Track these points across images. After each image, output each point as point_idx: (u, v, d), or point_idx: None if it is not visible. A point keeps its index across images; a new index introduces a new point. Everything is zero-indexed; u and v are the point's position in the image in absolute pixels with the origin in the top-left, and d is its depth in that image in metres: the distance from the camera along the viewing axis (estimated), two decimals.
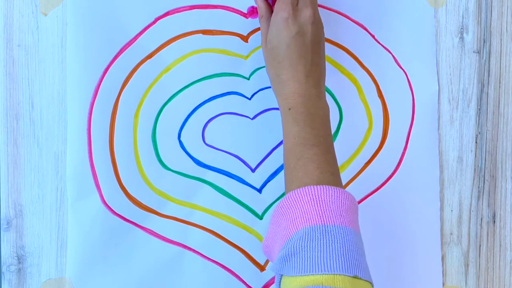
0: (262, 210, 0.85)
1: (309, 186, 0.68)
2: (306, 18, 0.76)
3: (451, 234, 0.88)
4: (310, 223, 0.65)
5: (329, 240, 0.64)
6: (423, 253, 0.86)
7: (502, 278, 0.88)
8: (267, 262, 0.86)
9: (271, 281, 0.86)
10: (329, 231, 0.65)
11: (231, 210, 0.85)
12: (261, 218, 0.86)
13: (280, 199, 0.70)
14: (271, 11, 0.79)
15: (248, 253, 0.85)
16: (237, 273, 0.85)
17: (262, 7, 0.80)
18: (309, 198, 0.67)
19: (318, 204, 0.67)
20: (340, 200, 0.67)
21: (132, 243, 0.84)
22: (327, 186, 0.68)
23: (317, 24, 0.77)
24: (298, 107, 0.74)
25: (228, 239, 0.85)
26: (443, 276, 0.87)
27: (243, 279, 0.85)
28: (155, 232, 0.84)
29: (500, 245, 0.88)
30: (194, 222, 0.85)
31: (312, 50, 0.76)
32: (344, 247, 0.64)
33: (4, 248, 0.83)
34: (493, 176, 0.88)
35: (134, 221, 0.84)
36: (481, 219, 0.88)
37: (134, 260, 0.84)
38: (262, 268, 0.86)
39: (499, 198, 0.88)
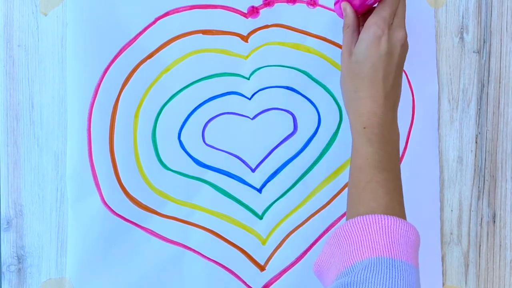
0: (262, 210, 0.86)
1: (379, 215, 0.66)
2: (398, 39, 0.74)
3: (451, 234, 0.88)
4: (377, 254, 0.63)
5: (395, 275, 0.61)
6: (423, 253, 0.86)
7: (502, 278, 0.88)
8: (267, 262, 0.86)
9: (271, 281, 0.86)
10: (396, 266, 0.62)
11: (231, 210, 0.85)
12: (261, 218, 0.86)
13: (344, 222, 0.68)
14: (358, 23, 0.77)
15: (248, 253, 0.85)
16: (237, 273, 0.85)
17: (350, 17, 0.76)
18: (378, 227, 0.65)
19: (387, 235, 0.64)
20: (408, 235, 0.65)
21: (132, 243, 0.84)
22: (397, 218, 0.66)
23: (406, 46, 0.75)
24: (373, 128, 0.72)
25: (228, 239, 0.85)
26: (443, 276, 0.87)
27: (243, 279, 0.85)
28: (155, 232, 0.84)
29: (500, 245, 0.88)
30: (194, 222, 0.85)
31: (396, 72, 0.74)
32: (408, 285, 0.61)
33: (4, 248, 0.83)
34: (493, 176, 0.88)
35: (134, 221, 0.84)
36: (481, 219, 0.88)
37: (134, 260, 0.84)
38: (262, 268, 0.86)
39: (499, 198, 0.88)
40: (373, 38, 0.73)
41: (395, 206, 0.69)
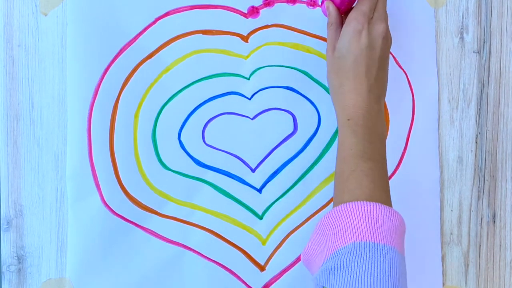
0: (262, 210, 0.86)
1: (362, 202, 0.67)
2: (378, 32, 0.75)
3: (451, 234, 0.88)
4: (360, 239, 0.65)
5: (377, 258, 0.63)
6: (423, 253, 0.86)
7: (502, 278, 0.88)
8: (267, 262, 0.86)
9: (271, 281, 0.86)
10: (378, 250, 0.64)
11: (231, 210, 0.85)
12: (261, 218, 0.86)
13: (329, 210, 0.69)
14: (341, 20, 0.79)
15: (248, 253, 0.85)
16: (237, 273, 0.85)
17: (332, 15, 0.79)
18: (361, 213, 0.66)
19: (370, 221, 0.66)
20: (391, 221, 0.67)
21: (132, 243, 0.84)
22: (380, 204, 0.67)
23: (387, 39, 0.76)
24: (357, 119, 0.73)
25: (228, 239, 0.85)
26: (443, 276, 0.87)
27: (243, 279, 0.85)
28: (155, 232, 0.84)
29: (500, 245, 0.89)
30: (194, 222, 0.85)
31: (379, 65, 0.75)
32: (391, 268, 0.63)
33: (4, 248, 0.83)
34: (493, 176, 0.88)
35: (134, 221, 0.84)
36: (481, 219, 0.88)
37: (134, 260, 0.84)
38: (262, 268, 0.86)
39: (499, 198, 0.88)
40: (353, 32, 0.75)
41: (380, 194, 0.70)
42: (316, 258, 0.69)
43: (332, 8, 0.79)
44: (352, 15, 0.76)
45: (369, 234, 0.65)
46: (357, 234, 0.65)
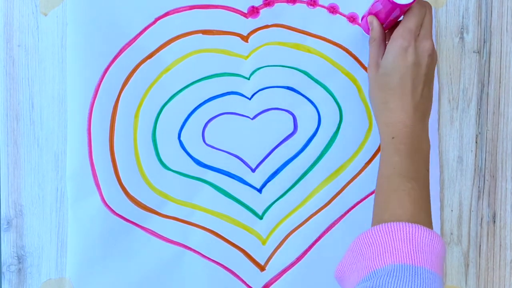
0: (262, 210, 0.86)
1: (403, 223, 0.66)
2: (425, 50, 0.74)
3: (451, 234, 0.88)
4: (400, 261, 0.63)
5: (417, 283, 0.61)
6: None
7: (502, 278, 0.88)
8: (267, 262, 0.86)
9: (271, 281, 0.86)
10: (419, 273, 0.62)
11: (231, 210, 0.85)
12: (261, 218, 0.86)
13: (368, 229, 0.68)
14: (384, 36, 0.78)
15: (248, 253, 0.85)
16: (237, 273, 0.85)
17: (376, 30, 0.77)
18: (402, 234, 0.65)
19: (411, 243, 0.64)
20: (433, 244, 0.65)
21: (132, 243, 0.84)
22: (422, 227, 0.66)
23: (433, 56, 0.75)
24: (402, 138, 0.72)
25: (228, 239, 0.85)
26: (443, 276, 0.87)
27: (243, 279, 0.85)
28: (155, 232, 0.84)
29: (500, 245, 0.88)
30: (194, 222, 0.85)
31: (425, 82, 0.74)
32: None
33: (4, 248, 0.83)
34: (493, 176, 0.88)
35: (134, 221, 0.84)
36: (481, 219, 0.88)
37: (134, 260, 0.84)
38: (262, 268, 0.86)
39: (499, 198, 0.88)
40: (399, 50, 0.73)
41: (421, 215, 0.69)
42: (351, 275, 0.67)
43: (376, 24, 0.77)
44: (398, 32, 0.74)
45: (409, 257, 0.63)
46: (397, 256, 0.63)
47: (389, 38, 0.78)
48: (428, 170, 0.73)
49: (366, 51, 0.86)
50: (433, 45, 0.75)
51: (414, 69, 0.73)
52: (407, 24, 0.74)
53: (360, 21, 0.84)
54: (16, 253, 0.83)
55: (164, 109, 0.84)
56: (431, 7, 0.76)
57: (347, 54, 0.86)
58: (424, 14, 0.75)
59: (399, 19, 0.77)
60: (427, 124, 0.75)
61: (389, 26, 0.78)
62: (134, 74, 0.84)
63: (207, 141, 0.85)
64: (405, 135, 0.72)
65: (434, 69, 0.76)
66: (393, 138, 0.73)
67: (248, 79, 0.85)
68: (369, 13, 0.79)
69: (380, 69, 0.75)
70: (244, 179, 0.85)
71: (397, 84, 0.74)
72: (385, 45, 0.77)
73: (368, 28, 0.80)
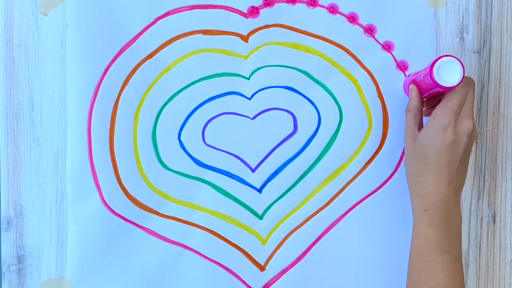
0: (262, 210, 0.85)
1: None
2: (465, 129, 0.74)
3: None
4: None
5: None
6: None
7: (502, 278, 0.88)
8: (267, 262, 0.86)
9: (271, 281, 0.86)
10: None
11: (231, 210, 0.85)
12: (261, 218, 0.86)
13: None
14: (421, 107, 0.78)
15: (248, 253, 0.85)
16: (237, 273, 0.85)
17: (414, 100, 0.78)
18: None
19: None
20: None
21: (132, 243, 0.84)
22: None
23: (472, 135, 0.75)
24: (435, 211, 0.73)
25: (228, 239, 0.85)
26: None
27: (243, 279, 0.85)
28: (155, 232, 0.84)
29: (500, 245, 0.88)
30: (194, 222, 0.85)
31: (461, 159, 0.75)
32: None
33: (4, 248, 0.83)
34: (493, 176, 0.88)
35: (134, 221, 0.84)
36: (481, 219, 0.88)
37: (134, 260, 0.84)
38: (262, 268, 0.86)
39: (499, 198, 0.88)
40: (439, 127, 0.74)
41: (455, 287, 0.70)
42: None
43: (415, 94, 0.78)
44: (439, 109, 0.75)
45: None
46: None
47: (426, 107, 0.80)
48: (460, 243, 0.75)
49: (366, 51, 0.86)
50: (474, 124, 0.75)
51: (452, 147, 0.74)
52: (449, 103, 0.75)
53: (405, 77, 0.85)
54: (16, 253, 0.83)
55: (164, 109, 0.84)
56: (474, 84, 0.77)
57: (347, 54, 0.86)
58: (466, 92, 0.75)
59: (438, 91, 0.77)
60: (459, 197, 0.77)
61: (428, 97, 0.79)
62: (134, 74, 0.84)
63: (207, 141, 0.85)
64: (438, 209, 0.74)
65: (471, 147, 0.77)
66: (426, 210, 0.74)
67: (248, 79, 0.85)
68: (412, 80, 0.80)
69: (418, 143, 0.76)
70: (244, 179, 0.85)
71: (433, 160, 0.74)
72: (421, 115, 0.78)
73: (407, 91, 0.81)
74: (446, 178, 0.74)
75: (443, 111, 0.74)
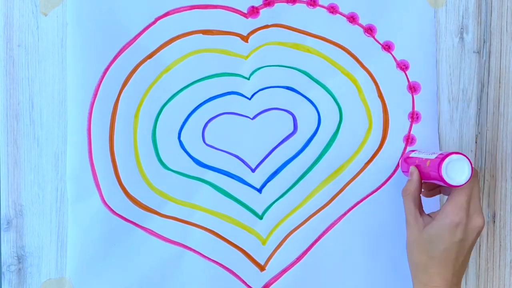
0: (262, 210, 0.86)
1: None
2: (475, 227, 0.74)
3: None
4: None
5: None
6: None
7: (502, 278, 0.88)
8: (267, 262, 0.86)
9: (271, 281, 0.86)
10: None
11: (231, 210, 0.85)
12: (261, 218, 0.86)
13: None
14: (420, 191, 0.77)
15: (248, 253, 0.85)
16: (237, 273, 0.85)
17: (414, 183, 0.77)
18: None
19: None
20: None
21: (132, 243, 0.84)
22: None
23: (481, 232, 0.75)
24: None
25: (228, 239, 0.85)
26: None
27: (243, 279, 0.85)
28: (155, 232, 0.84)
29: (500, 245, 0.88)
30: (194, 222, 0.85)
31: (467, 253, 0.75)
32: None
33: (4, 248, 0.83)
34: (493, 176, 0.88)
35: (134, 221, 0.84)
36: None
37: (134, 260, 0.84)
38: (262, 268, 0.86)
39: (499, 198, 0.88)
40: (450, 225, 0.73)
41: None
42: None
43: (415, 177, 0.78)
44: (449, 207, 0.74)
45: None
46: None
47: (426, 189, 0.80)
48: None
49: (366, 51, 0.86)
50: (484, 220, 0.75)
51: (460, 244, 0.74)
52: (459, 199, 0.74)
53: (400, 159, 0.84)
54: (16, 253, 0.83)
55: (164, 109, 0.84)
56: (477, 174, 0.76)
57: (347, 54, 0.86)
58: (473, 185, 0.75)
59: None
60: (460, 285, 0.77)
61: (429, 182, 0.78)
62: (134, 74, 0.84)
63: (207, 141, 0.85)
64: None
65: (476, 240, 0.76)
66: None
67: (248, 79, 0.85)
68: (414, 162, 0.78)
69: (425, 235, 0.75)
70: (244, 179, 0.85)
71: (440, 255, 0.74)
72: (420, 199, 0.78)
73: (405, 168, 0.81)
74: (451, 270, 0.75)
75: (453, 209, 0.74)
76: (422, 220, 0.76)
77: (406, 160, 0.82)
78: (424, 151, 0.80)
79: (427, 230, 0.75)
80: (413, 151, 0.83)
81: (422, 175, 0.78)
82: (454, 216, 0.73)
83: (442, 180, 0.73)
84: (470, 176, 0.73)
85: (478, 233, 0.75)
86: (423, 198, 0.80)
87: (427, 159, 0.77)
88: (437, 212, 0.76)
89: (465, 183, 0.73)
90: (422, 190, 0.80)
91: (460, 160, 0.73)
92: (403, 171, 0.83)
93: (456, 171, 0.73)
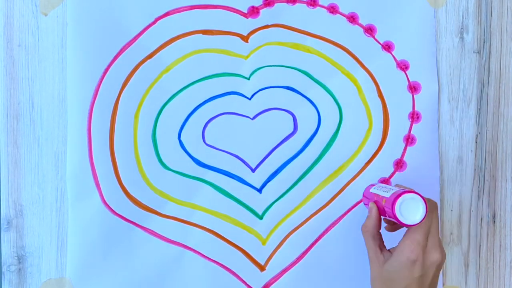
0: (262, 210, 0.86)
1: None
2: (433, 262, 0.73)
3: (451, 234, 0.88)
4: None
5: None
6: None
7: (502, 278, 0.88)
8: (267, 262, 0.86)
9: (271, 281, 0.86)
10: None
11: (231, 210, 0.85)
12: (261, 218, 0.86)
13: None
14: (379, 227, 0.76)
15: (248, 253, 0.85)
16: (237, 273, 0.85)
17: (372, 220, 0.76)
18: None
19: None
20: None
21: (132, 243, 0.84)
22: None
23: (441, 264, 0.74)
24: None
25: (228, 239, 0.85)
26: (443, 276, 0.87)
27: (243, 279, 0.85)
28: (155, 232, 0.84)
29: (500, 245, 0.88)
30: (194, 222, 0.85)
31: (429, 286, 0.74)
32: None
33: (4, 248, 0.83)
34: (493, 176, 0.88)
35: (134, 221, 0.84)
36: (481, 219, 0.88)
37: (134, 260, 0.84)
38: (262, 268, 0.86)
39: (499, 198, 0.88)
40: (407, 262, 0.72)
41: None
42: None
43: (374, 214, 0.76)
44: (405, 243, 0.73)
45: None
46: None
47: (388, 224, 0.78)
48: None
49: (366, 51, 0.86)
50: (442, 254, 0.73)
51: (420, 280, 0.72)
52: (415, 236, 0.72)
53: (363, 192, 0.83)
54: (16, 253, 0.83)
55: (164, 109, 0.84)
56: (437, 207, 0.75)
57: (347, 54, 0.86)
58: (431, 220, 0.73)
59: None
60: None
61: (385, 217, 0.76)
62: (134, 74, 0.84)
63: (207, 141, 0.85)
64: None
65: (439, 274, 0.75)
66: None
67: (248, 79, 0.85)
68: (374, 198, 0.77)
69: (385, 272, 0.74)
70: (244, 179, 0.85)
71: None
72: (380, 235, 0.76)
73: (366, 202, 0.79)
74: None
75: (410, 244, 0.72)
76: (382, 257, 0.75)
77: (365, 195, 0.81)
78: (383, 186, 0.78)
79: (386, 267, 0.74)
80: (373, 185, 0.81)
81: (381, 212, 0.76)
82: (410, 253, 0.72)
83: (397, 219, 0.72)
84: (425, 215, 0.71)
85: (438, 268, 0.73)
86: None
87: (383, 197, 0.75)
88: (395, 248, 0.74)
89: (419, 222, 0.72)
90: (386, 225, 0.79)
91: (414, 199, 0.72)
92: (364, 204, 0.82)
93: (410, 210, 0.72)
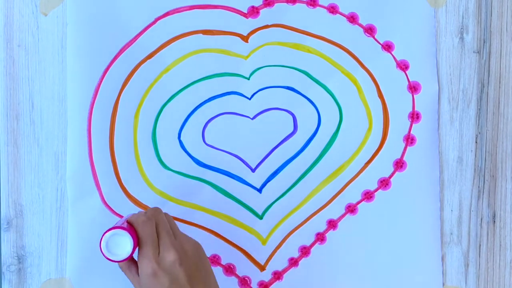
0: (262, 210, 0.86)
1: None
2: (171, 263, 0.70)
3: (451, 234, 0.88)
4: None
5: None
6: (423, 253, 0.86)
7: (502, 278, 0.88)
8: (267, 262, 0.86)
9: (271, 281, 0.86)
10: None
11: (231, 210, 0.85)
12: (261, 218, 0.86)
13: None
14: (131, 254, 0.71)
15: (248, 253, 0.85)
16: (237, 273, 0.85)
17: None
18: None
19: None
20: None
21: None
22: None
23: (186, 261, 0.71)
24: None
25: (228, 239, 0.85)
26: (443, 276, 0.87)
27: (243, 279, 0.85)
28: None
29: (500, 245, 0.88)
30: (194, 222, 0.85)
31: (196, 273, 0.71)
32: None
33: (4, 248, 0.83)
34: (493, 176, 0.88)
35: None
36: (481, 219, 0.88)
37: None
38: (262, 268, 0.86)
39: (499, 198, 0.88)
40: (149, 277, 0.69)
41: None
42: None
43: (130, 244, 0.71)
44: (139, 261, 0.70)
45: None
46: None
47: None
48: None
49: (366, 51, 0.86)
50: (178, 251, 0.70)
51: (174, 281, 0.69)
52: (143, 251, 0.70)
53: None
54: (16, 253, 0.83)
55: (164, 109, 0.84)
56: (159, 212, 0.73)
57: (347, 54, 0.86)
58: (151, 230, 0.71)
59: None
60: None
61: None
62: (134, 74, 0.84)
63: (207, 141, 0.85)
64: None
65: (200, 259, 0.73)
66: None
67: (248, 79, 0.85)
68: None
69: None
70: (244, 179, 0.85)
71: None
72: (133, 260, 0.73)
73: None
74: None
75: (142, 261, 0.70)
76: (138, 278, 0.72)
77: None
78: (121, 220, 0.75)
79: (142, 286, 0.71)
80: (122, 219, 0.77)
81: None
82: (146, 269, 0.69)
83: (109, 259, 0.69)
84: (134, 246, 0.69)
85: (183, 266, 0.70)
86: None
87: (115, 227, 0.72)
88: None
89: (131, 254, 0.69)
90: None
91: (117, 234, 0.69)
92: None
93: (119, 244, 0.69)
